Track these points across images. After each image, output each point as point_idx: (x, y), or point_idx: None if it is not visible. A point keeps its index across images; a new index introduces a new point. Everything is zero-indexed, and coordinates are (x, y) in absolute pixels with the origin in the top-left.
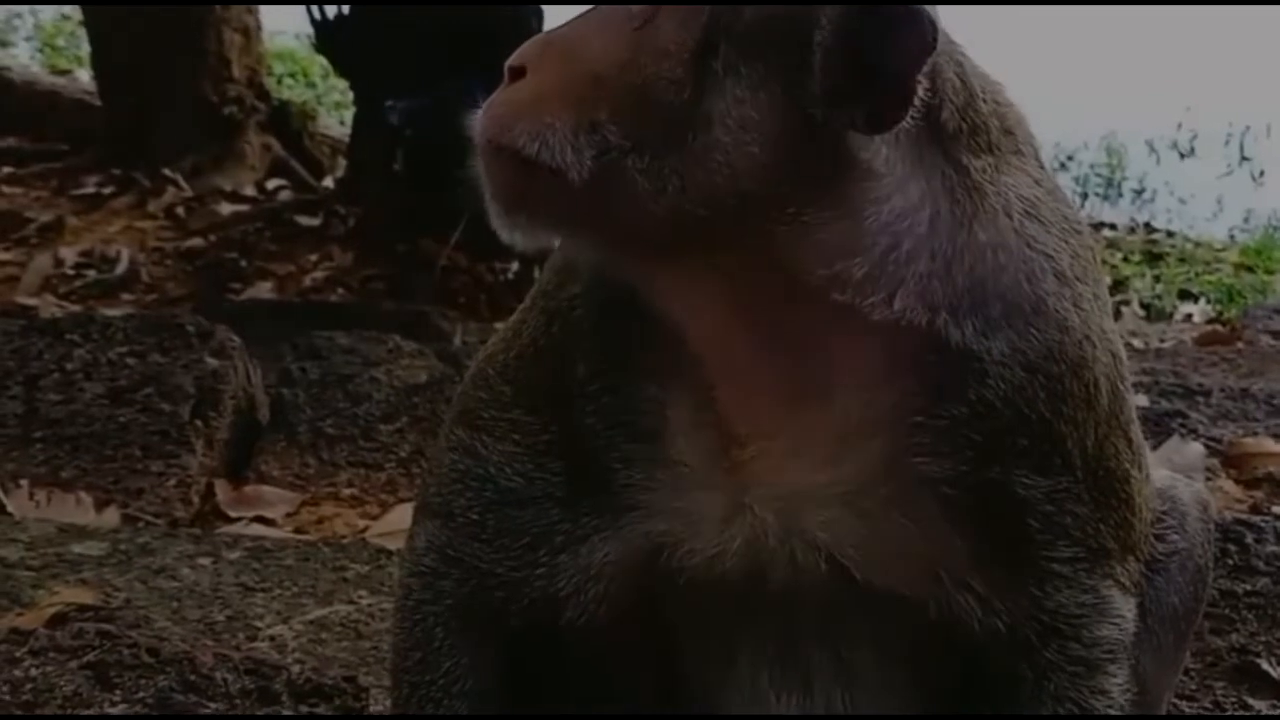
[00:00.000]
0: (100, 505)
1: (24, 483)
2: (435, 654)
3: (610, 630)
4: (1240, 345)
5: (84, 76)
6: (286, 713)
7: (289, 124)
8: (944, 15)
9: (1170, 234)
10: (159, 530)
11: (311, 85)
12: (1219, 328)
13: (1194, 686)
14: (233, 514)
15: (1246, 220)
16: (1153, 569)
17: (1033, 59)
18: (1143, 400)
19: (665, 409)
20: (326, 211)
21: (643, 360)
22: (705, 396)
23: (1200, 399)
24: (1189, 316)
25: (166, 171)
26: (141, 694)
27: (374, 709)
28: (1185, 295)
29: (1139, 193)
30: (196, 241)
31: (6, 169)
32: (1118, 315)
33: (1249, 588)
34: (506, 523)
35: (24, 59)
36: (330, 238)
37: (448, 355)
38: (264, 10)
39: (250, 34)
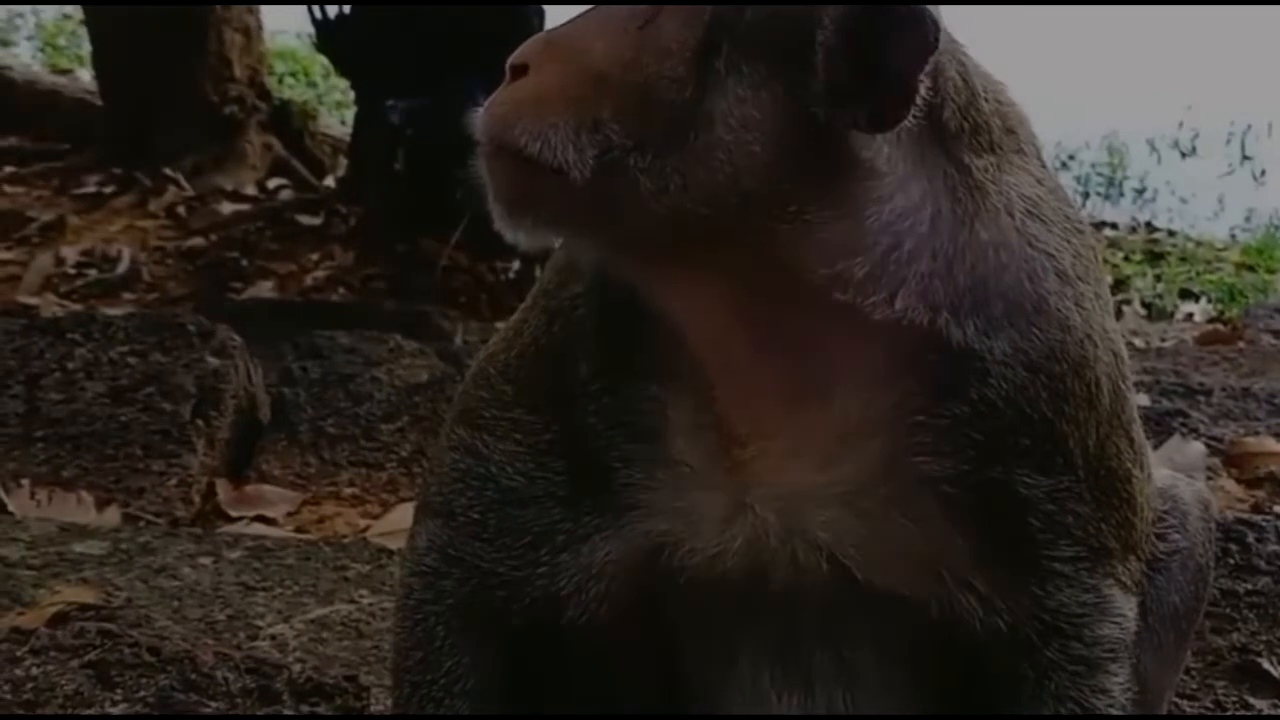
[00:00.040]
0: (101, 504)
1: (25, 482)
2: (436, 653)
3: (611, 630)
4: (1241, 344)
5: (85, 76)
6: (287, 712)
7: (290, 123)
8: (946, 15)
9: (1171, 233)
10: (160, 529)
11: (313, 85)
12: (1220, 327)
13: (1195, 686)
14: (234, 513)
15: (1248, 219)
16: (1154, 568)
17: (1034, 58)
18: (1144, 399)
19: (666, 409)
20: (328, 211)
21: (644, 360)
22: (706, 396)
23: (1201, 398)
24: (1190, 316)
25: (168, 171)
26: (142, 693)
27: (375, 708)
28: (1186, 294)
29: (1140, 192)
30: (198, 241)
31: (8, 168)
32: (1119, 314)
33: (1250, 587)
34: (508, 522)
35: (25, 58)
36: (331, 237)
37: (449, 355)
38: (265, 9)
39: (251, 33)
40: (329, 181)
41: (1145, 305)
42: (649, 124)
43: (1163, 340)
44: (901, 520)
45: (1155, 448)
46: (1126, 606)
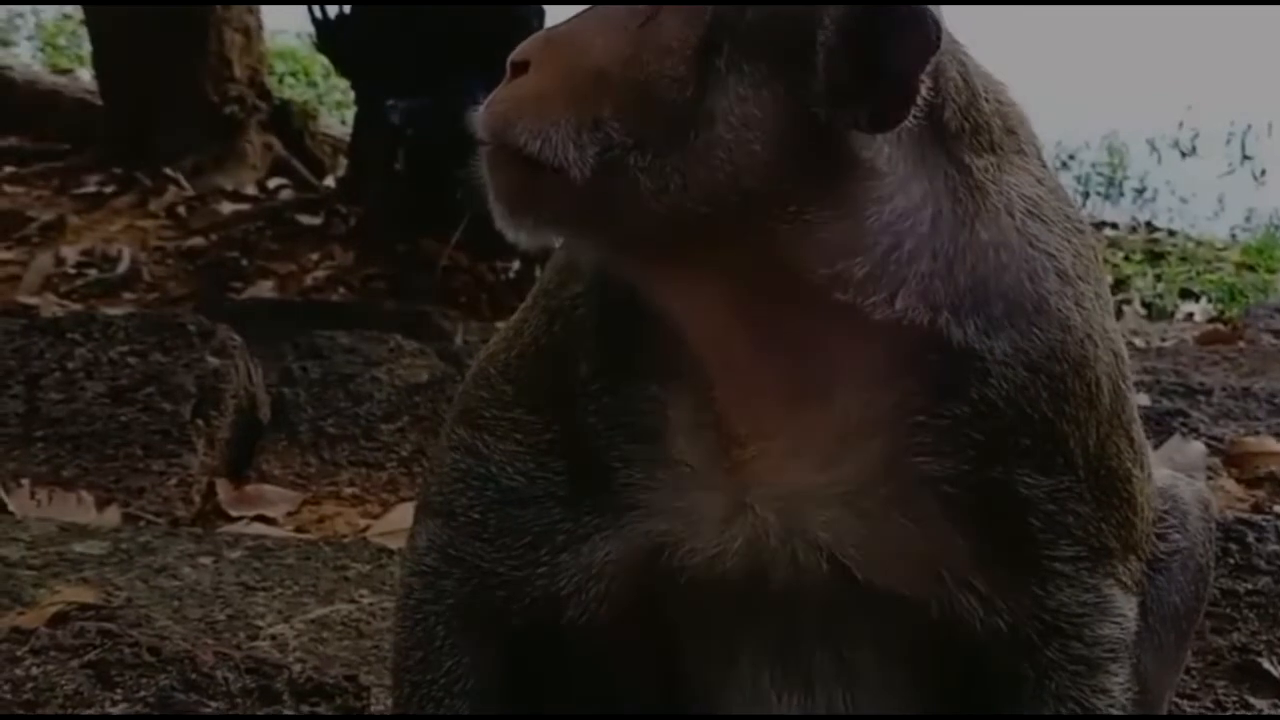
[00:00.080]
0: (101, 504)
1: (25, 482)
2: (436, 653)
3: (611, 629)
4: (1241, 344)
5: (85, 76)
6: (287, 712)
7: (290, 123)
8: (946, 15)
9: (1172, 233)
10: (160, 529)
11: (313, 84)
12: (1220, 327)
13: (1195, 685)
14: (234, 513)
15: (1248, 219)
16: (1154, 568)
17: (1035, 59)
18: (1144, 399)
19: (666, 409)
20: (328, 211)
21: (644, 359)
22: (706, 396)
23: (1202, 398)
24: (1190, 315)
25: (168, 171)
26: (143, 693)
27: (375, 708)
28: (1186, 294)
29: (1140, 192)
30: (198, 241)
31: (8, 168)
32: (1119, 314)
33: (1250, 587)
34: (508, 522)
35: (25, 58)
36: (331, 237)
37: (449, 354)
38: (265, 9)
39: (251, 33)
40: (329, 181)
41: (1145, 305)
42: (649, 122)
43: (1163, 340)
44: (902, 520)
45: (1155, 448)
46: (1127, 606)
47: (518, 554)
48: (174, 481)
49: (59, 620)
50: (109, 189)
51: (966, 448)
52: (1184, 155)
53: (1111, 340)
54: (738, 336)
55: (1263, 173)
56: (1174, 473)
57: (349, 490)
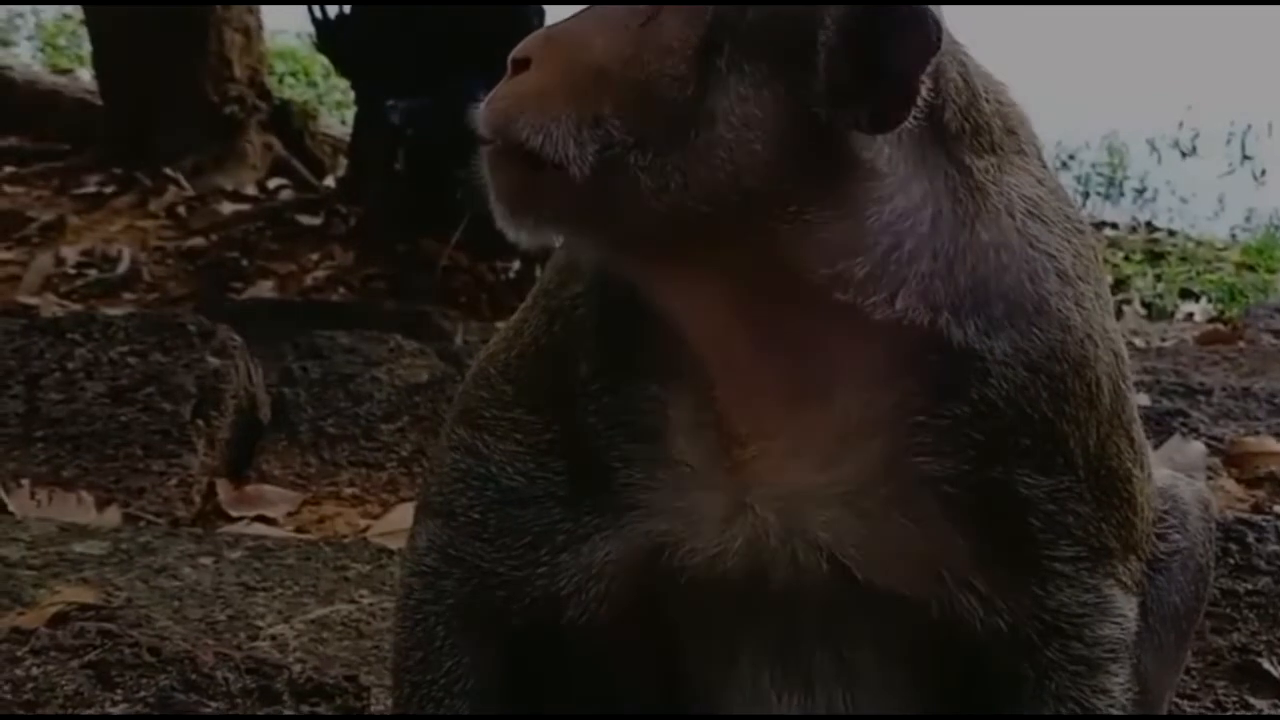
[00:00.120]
0: (101, 504)
1: (25, 482)
2: (437, 653)
3: (611, 629)
4: (1242, 344)
5: (85, 76)
6: (288, 712)
7: (290, 123)
8: (947, 15)
9: (1172, 233)
10: (160, 529)
11: (313, 84)
12: (1220, 327)
13: (1195, 686)
14: (234, 513)
15: (1248, 219)
16: (1154, 568)
17: (1035, 59)
18: (1144, 399)
19: (666, 408)
20: (328, 211)
21: (644, 359)
22: (707, 396)
23: (1202, 398)
24: (1190, 315)
25: (168, 171)
26: (143, 693)
27: (375, 708)
28: (1187, 294)
29: (1140, 192)
30: (198, 241)
31: (8, 168)
32: (1119, 314)
33: (1250, 587)
34: (508, 522)
35: (25, 58)
36: (331, 237)
37: (449, 355)
38: (265, 9)
39: (251, 33)
40: (329, 181)
41: (1145, 305)
42: (650, 121)
43: (1163, 340)
44: (902, 520)
45: (1155, 448)
46: (1127, 606)
47: (518, 554)
48: (174, 482)
49: (59, 620)
50: (109, 189)
51: (966, 448)
52: (1184, 155)
53: (1111, 340)
54: (738, 336)
55: (1263, 173)
56: (1174, 473)
57: (349, 490)
